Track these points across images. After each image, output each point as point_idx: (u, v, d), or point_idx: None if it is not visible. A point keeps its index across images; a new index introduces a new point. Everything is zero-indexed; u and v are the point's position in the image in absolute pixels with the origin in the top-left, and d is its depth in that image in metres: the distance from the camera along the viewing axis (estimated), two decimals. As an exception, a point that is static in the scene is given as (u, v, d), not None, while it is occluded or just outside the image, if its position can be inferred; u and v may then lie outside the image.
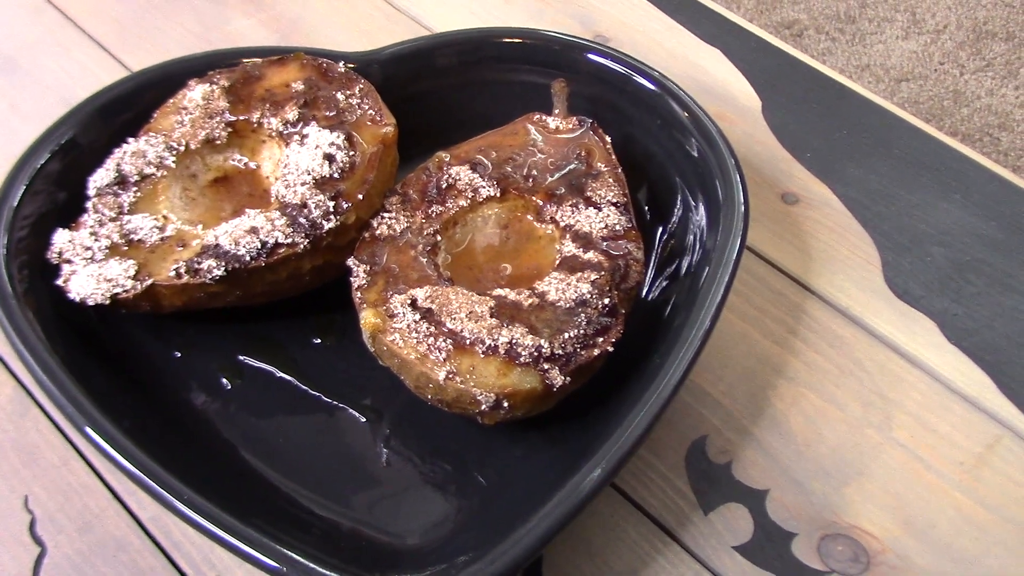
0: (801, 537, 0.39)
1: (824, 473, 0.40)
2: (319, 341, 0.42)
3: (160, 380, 0.41)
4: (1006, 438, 0.42)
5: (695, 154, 0.44)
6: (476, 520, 0.37)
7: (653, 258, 0.45)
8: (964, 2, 1.27)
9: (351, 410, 0.40)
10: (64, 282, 0.39)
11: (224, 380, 0.41)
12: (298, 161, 0.41)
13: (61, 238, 0.40)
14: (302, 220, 0.39)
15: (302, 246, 0.39)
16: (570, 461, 0.36)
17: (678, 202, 0.46)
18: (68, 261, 0.39)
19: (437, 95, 0.49)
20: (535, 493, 0.35)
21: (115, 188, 0.41)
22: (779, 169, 0.51)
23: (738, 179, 0.41)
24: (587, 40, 0.48)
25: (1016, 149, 1.11)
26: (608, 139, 0.45)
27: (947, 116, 1.14)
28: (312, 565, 0.33)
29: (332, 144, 0.41)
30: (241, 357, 0.42)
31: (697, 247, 0.43)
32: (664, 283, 0.44)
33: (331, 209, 0.39)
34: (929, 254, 0.48)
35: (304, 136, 0.41)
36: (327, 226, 0.39)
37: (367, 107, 0.42)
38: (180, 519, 0.34)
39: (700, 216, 0.44)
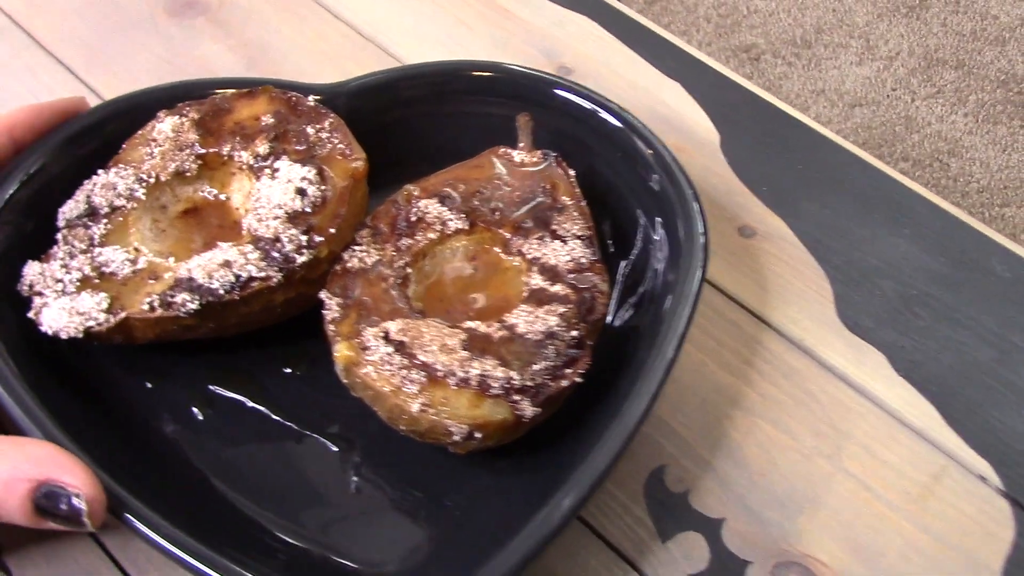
0: (755, 565, 0.40)
1: (778, 502, 0.42)
2: (289, 371, 0.43)
3: (131, 410, 0.41)
4: (951, 468, 0.43)
5: (657, 189, 0.45)
6: (445, 549, 0.38)
7: (616, 288, 0.46)
8: (916, 30, 1.31)
9: (322, 439, 0.41)
10: (35, 315, 0.39)
11: (195, 410, 0.42)
12: (269, 195, 0.41)
13: (32, 270, 0.40)
14: (275, 254, 0.40)
15: (276, 280, 0.39)
16: (538, 488, 0.37)
17: (639, 234, 0.47)
18: (39, 294, 0.40)
19: (402, 127, 0.50)
20: (504, 521, 0.37)
21: (85, 220, 0.42)
22: (736, 203, 0.53)
23: (699, 217, 0.43)
24: (553, 75, 0.50)
25: (965, 175, 1.15)
26: (572, 172, 0.46)
27: (899, 142, 1.17)
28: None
29: (304, 178, 0.41)
30: (211, 387, 0.42)
31: (658, 279, 0.44)
32: (626, 313, 0.45)
33: (304, 243, 0.40)
34: (879, 288, 0.49)
35: (275, 170, 0.42)
36: (300, 260, 0.40)
37: (337, 141, 0.43)
38: (151, 547, 0.35)
39: (662, 248, 0.45)
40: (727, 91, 0.59)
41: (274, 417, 0.42)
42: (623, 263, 0.47)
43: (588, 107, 0.48)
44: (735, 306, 0.49)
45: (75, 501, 0.33)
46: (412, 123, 0.50)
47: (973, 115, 1.22)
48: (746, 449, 0.44)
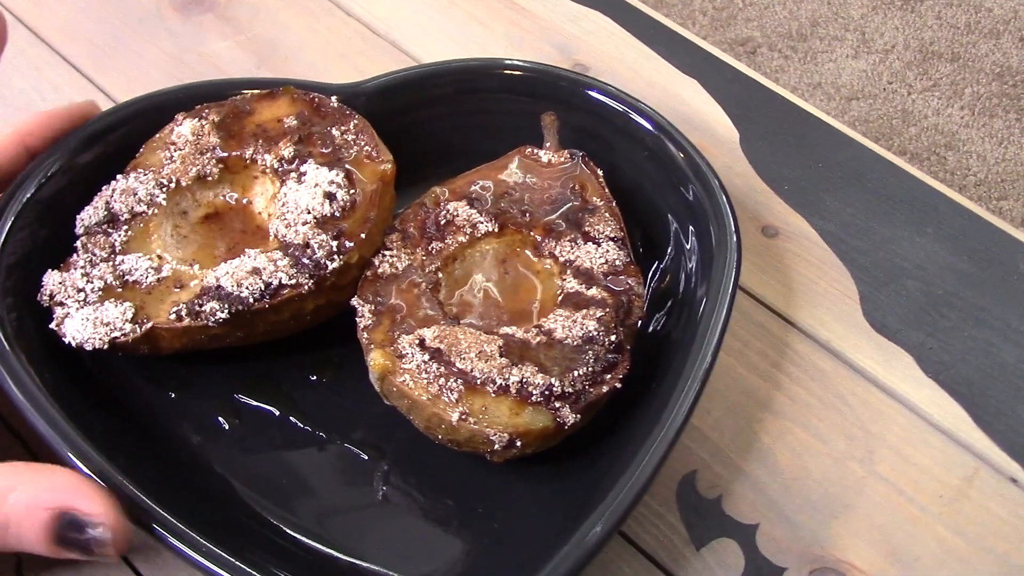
0: (791, 571, 0.40)
1: (811, 507, 0.42)
2: (315, 378, 0.42)
3: (156, 421, 0.40)
4: (982, 470, 0.43)
5: (690, 197, 0.45)
6: (480, 559, 0.38)
7: (647, 292, 0.46)
8: (911, 22, 1.31)
9: (351, 447, 0.40)
10: (58, 326, 0.38)
11: (221, 419, 0.41)
12: (297, 200, 0.40)
13: (51, 280, 0.39)
14: (305, 260, 0.39)
15: (306, 287, 0.39)
16: (575, 497, 0.37)
17: (669, 236, 0.46)
18: (60, 304, 0.38)
19: (422, 127, 0.49)
20: (541, 532, 0.36)
21: (105, 227, 0.40)
22: (758, 202, 0.53)
23: (734, 226, 0.42)
24: (588, 76, 0.49)
25: (962, 168, 1.15)
26: (600, 172, 0.45)
27: (896, 135, 1.18)
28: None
29: (332, 182, 0.40)
30: (237, 396, 0.41)
31: (691, 284, 0.44)
32: (658, 316, 0.45)
33: (334, 249, 0.39)
34: (904, 288, 0.49)
35: (302, 174, 0.41)
36: (331, 266, 0.39)
37: (363, 143, 0.42)
38: (182, 560, 0.34)
39: (693, 253, 0.44)
40: (744, 87, 0.58)
41: (301, 425, 0.41)
42: (654, 264, 0.46)
43: (620, 109, 0.47)
44: (762, 308, 0.48)
45: (96, 531, 0.32)
46: (432, 123, 0.49)
47: (969, 108, 1.22)
48: (778, 453, 0.43)
